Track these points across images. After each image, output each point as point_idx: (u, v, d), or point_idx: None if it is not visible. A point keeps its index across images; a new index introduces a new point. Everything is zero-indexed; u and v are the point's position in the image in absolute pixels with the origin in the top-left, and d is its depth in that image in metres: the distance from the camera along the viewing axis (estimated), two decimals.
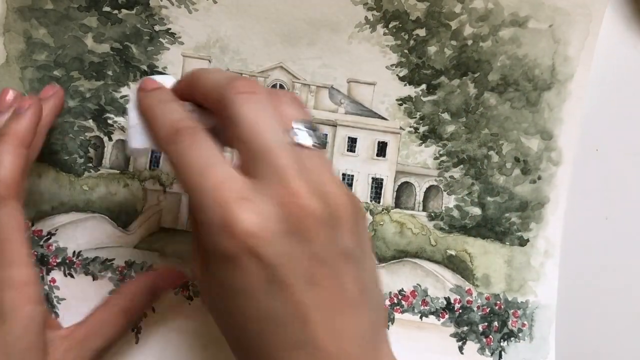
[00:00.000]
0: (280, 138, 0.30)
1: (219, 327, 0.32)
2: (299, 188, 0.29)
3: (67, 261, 0.43)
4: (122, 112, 0.44)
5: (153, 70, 0.44)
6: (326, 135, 0.33)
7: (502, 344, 0.46)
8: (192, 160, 0.30)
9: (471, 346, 0.46)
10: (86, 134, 0.44)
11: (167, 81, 0.35)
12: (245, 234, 0.28)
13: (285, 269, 0.28)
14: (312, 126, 0.31)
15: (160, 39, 0.44)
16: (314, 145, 0.31)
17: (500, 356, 0.46)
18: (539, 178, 0.47)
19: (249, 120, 0.30)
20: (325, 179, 0.30)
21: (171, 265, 0.43)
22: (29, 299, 0.35)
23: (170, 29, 0.44)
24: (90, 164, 0.44)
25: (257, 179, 0.29)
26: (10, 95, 0.39)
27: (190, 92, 0.34)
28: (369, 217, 0.46)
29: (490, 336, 0.46)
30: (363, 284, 0.31)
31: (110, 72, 0.44)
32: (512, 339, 0.46)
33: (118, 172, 0.44)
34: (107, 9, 0.44)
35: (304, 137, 0.31)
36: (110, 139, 0.44)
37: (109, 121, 0.44)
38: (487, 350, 0.46)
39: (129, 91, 0.40)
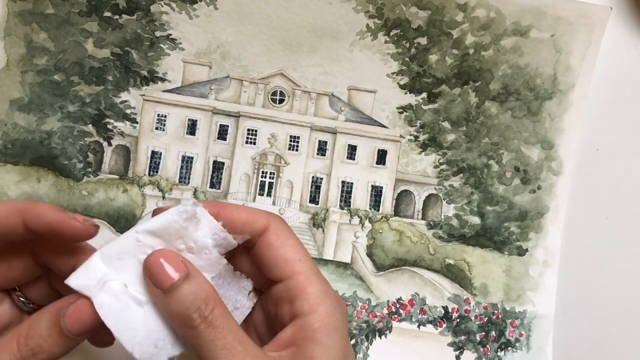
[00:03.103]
0: None
1: None
2: None
3: None
4: (122, 117, 0.44)
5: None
6: None
7: (499, 353, 0.46)
8: None
9: (468, 355, 0.46)
10: (86, 138, 0.43)
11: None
12: None
13: None
14: None
15: (161, 45, 0.44)
16: None
17: None
18: (539, 188, 0.47)
19: None
20: None
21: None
22: None
23: (170, 34, 0.44)
24: (90, 169, 0.44)
25: None
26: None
27: None
28: (368, 225, 0.46)
29: (488, 346, 0.46)
30: None
31: (110, 77, 0.44)
32: (509, 348, 0.46)
33: (117, 177, 0.44)
34: (107, 14, 0.43)
35: None
36: (109, 144, 0.44)
37: (109, 126, 0.44)
38: (484, 359, 0.46)
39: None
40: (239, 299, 0.33)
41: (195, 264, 0.30)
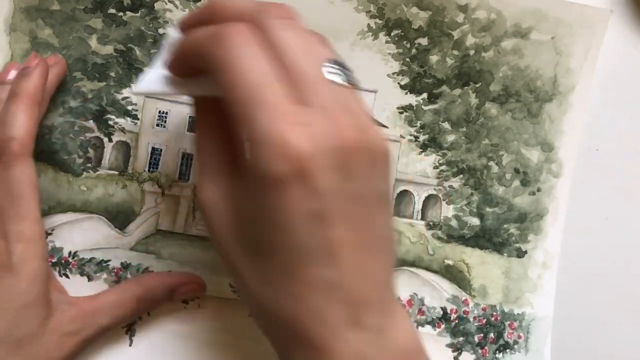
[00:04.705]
0: (322, 71, 0.28)
1: (228, 255, 0.31)
2: (347, 122, 0.28)
3: (63, 261, 0.43)
4: (123, 113, 0.44)
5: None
6: (350, 69, 0.31)
7: (497, 355, 0.46)
8: (245, 71, 0.28)
9: (466, 357, 0.46)
10: (86, 134, 0.44)
11: None
12: (301, 158, 0.26)
13: (329, 203, 0.27)
14: (344, 65, 0.30)
15: (164, 42, 0.44)
16: (348, 83, 0.29)
17: None
18: (539, 190, 0.47)
19: (295, 47, 0.28)
20: (364, 118, 0.29)
21: (195, 275, 0.44)
22: (36, 254, 0.36)
23: None
24: (89, 165, 0.44)
25: (309, 107, 0.27)
26: (13, 74, 0.41)
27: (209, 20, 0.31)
28: None
29: (486, 347, 0.46)
30: (389, 230, 0.31)
31: (112, 74, 0.44)
32: (507, 350, 0.46)
33: (117, 173, 0.44)
34: (112, 11, 0.44)
35: (338, 75, 0.29)
36: (110, 140, 0.44)
37: (110, 122, 0.44)
38: None
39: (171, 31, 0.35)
40: None
41: None
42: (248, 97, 0.27)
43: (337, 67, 0.29)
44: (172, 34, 0.34)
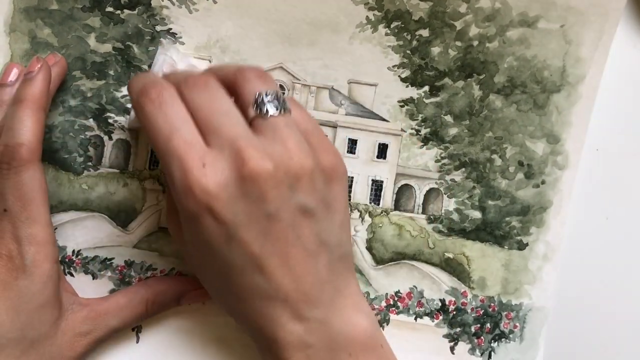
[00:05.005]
0: (232, 115, 0.34)
1: (198, 277, 0.38)
2: (250, 155, 0.33)
3: (67, 260, 0.44)
4: (123, 111, 0.45)
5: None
6: (283, 99, 0.36)
7: (492, 344, 0.46)
8: (159, 124, 0.34)
9: (462, 346, 0.46)
10: (86, 133, 0.44)
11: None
12: (204, 194, 0.32)
13: (241, 226, 0.33)
14: (274, 95, 0.35)
15: (162, 39, 0.44)
16: (278, 113, 0.35)
17: (489, 356, 0.46)
18: (543, 182, 0.46)
19: (202, 102, 0.35)
20: (285, 145, 0.34)
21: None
22: (47, 256, 0.38)
23: (171, 29, 0.44)
24: (90, 163, 0.45)
25: (215, 149, 0.33)
26: (14, 74, 0.42)
27: None
28: (368, 219, 0.46)
29: (482, 337, 0.46)
30: (323, 237, 0.35)
31: (111, 72, 0.44)
32: (502, 339, 0.46)
33: (118, 171, 0.45)
34: (109, 9, 0.44)
35: (266, 108, 0.35)
36: (110, 138, 0.45)
37: (110, 120, 0.45)
38: (477, 350, 0.46)
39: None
40: None
41: None
42: (163, 150, 0.34)
43: (265, 101, 0.35)
44: (163, 56, 0.40)
